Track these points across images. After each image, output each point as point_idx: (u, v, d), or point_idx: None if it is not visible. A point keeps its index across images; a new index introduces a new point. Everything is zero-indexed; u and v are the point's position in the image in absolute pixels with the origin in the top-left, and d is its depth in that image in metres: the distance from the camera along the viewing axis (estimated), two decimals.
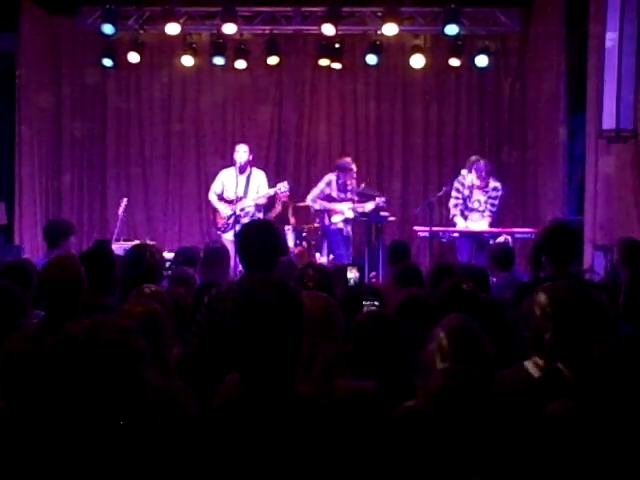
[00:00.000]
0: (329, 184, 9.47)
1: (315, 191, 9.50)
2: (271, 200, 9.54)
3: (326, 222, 9.52)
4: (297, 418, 2.16)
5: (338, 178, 9.48)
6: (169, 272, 5.85)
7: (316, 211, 9.58)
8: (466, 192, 8.90)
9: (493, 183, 8.94)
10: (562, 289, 2.81)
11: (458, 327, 2.72)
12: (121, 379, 2.02)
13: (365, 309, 4.29)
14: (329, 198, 9.46)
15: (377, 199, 9.46)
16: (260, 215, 9.15)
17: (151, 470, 2.07)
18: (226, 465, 2.11)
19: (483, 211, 8.90)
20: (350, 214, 9.37)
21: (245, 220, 8.79)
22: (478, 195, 8.89)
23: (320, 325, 2.93)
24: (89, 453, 2.00)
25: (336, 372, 2.95)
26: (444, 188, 9.21)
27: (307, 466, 2.11)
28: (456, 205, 8.93)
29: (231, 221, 8.97)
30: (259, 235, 3.93)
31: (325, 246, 9.78)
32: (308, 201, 9.52)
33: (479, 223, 8.88)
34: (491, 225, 8.94)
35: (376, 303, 3.83)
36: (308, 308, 2.87)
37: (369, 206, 9.43)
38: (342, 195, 9.48)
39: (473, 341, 2.70)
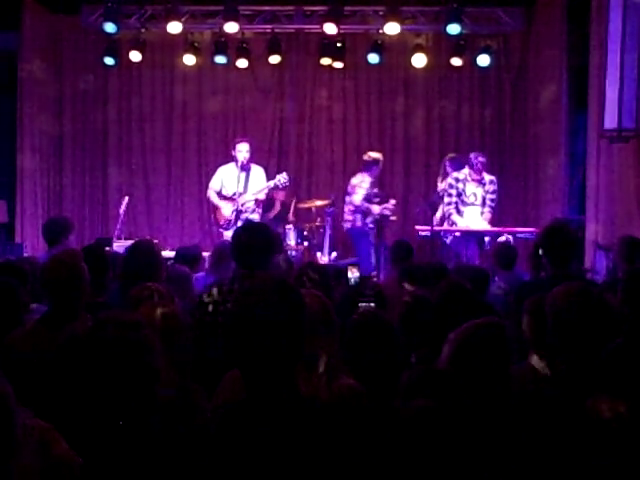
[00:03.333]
0: (371, 184, 9.48)
1: (362, 192, 9.38)
2: (271, 200, 9.52)
3: (358, 223, 9.44)
4: (300, 418, 2.16)
5: (374, 176, 9.54)
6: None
7: (357, 212, 9.41)
8: (460, 186, 8.89)
9: (488, 176, 8.96)
10: (575, 291, 2.81)
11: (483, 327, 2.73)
12: (129, 373, 2.02)
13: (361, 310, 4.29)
14: (369, 199, 9.46)
15: (390, 201, 9.62)
16: (259, 210, 9.16)
17: (157, 469, 2.07)
18: (230, 465, 2.11)
19: (481, 205, 8.88)
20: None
21: (246, 215, 8.85)
22: (473, 188, 8.88)
23: (320, 323, 2.93)
24: (98, 449, 2.00)
25: (338, 370, 2.95)
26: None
27: (310, 467, 2.11)
28: (450, 203, 8.91)
29: (233, 217, 8.97)
30: (254, 236, 3.96)
31: (327, 244, 9.76)
32: (358, 201, 9.37)
33: (477, 219, 8.86)
34: (492, 220, 8.95)
35: (372, 304, 3.82)
36: (308, 307, 2.87)
37: (376, 209, 9.53)
38: (374, 192, 9.57)
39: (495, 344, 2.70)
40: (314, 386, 2.73)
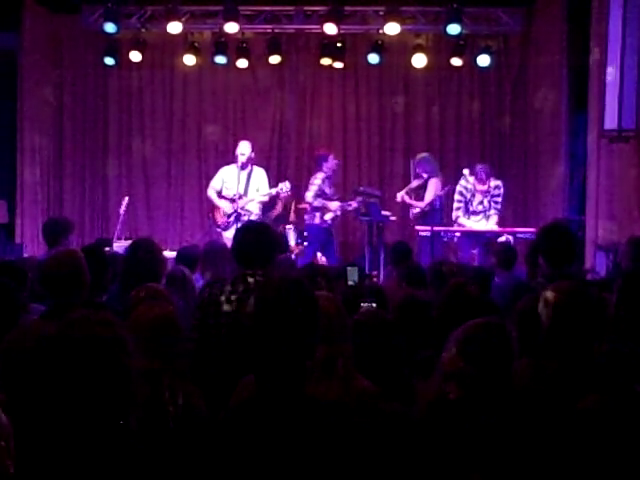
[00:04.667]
0: (324, 180, 9.42)
1: (314, 188, 9.36)
2: (272, 199, 9.50)
3: (316, 221, 9.41)
4: (307, 418, 2.16)
5: (327, 171, 9.46)
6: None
7: (314, 209, 9.44)
8: (468, 195, 8.95)
9: (494, 182, 9.00)
10: (566, 290, 2.80)
11: (479, 327, 2.73)
12: (101, 371, 2.02)
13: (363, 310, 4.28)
14: (324, 195, 9.42)
15: (343, 203, 9.55)
16: (260, 214, 9.14)
17: (157, 469, 2.07)
18: (236, 465, 2.11)
19: (486, 211, 8.94)
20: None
21: (246, 218, 8.81)
22: (480, 198, 8.95)
23: (336, 325, 2.92)
24: (82, 448, 2.00)
25: (354, 372, 2.95)
26: (446, 187, 9.24)
27: (316, 466, 2.11)
28: (458, 208, 8.97)
29: (232, 219, 8.97)
30: (255, 235, 3.91)
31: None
32: (309, 198, 9.38)
33: (482, 223, 8.92)
34: (499, 222, 8.99)
35: (374, 305, 3.82)
36: (323, 308, 2.88)
37: (334, 205, 9.47)
38: (331, 190, 9.53)
39: (492, 343, 2.70)
40: (332, 388, 2.74)
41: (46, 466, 2.00)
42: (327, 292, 3.34)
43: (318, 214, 9.41)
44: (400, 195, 9.65)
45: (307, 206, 9.54)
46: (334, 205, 9.44)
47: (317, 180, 9.39)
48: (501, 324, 2.79)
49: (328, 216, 9.43)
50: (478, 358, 2.63)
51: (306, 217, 9.59)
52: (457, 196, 9.00)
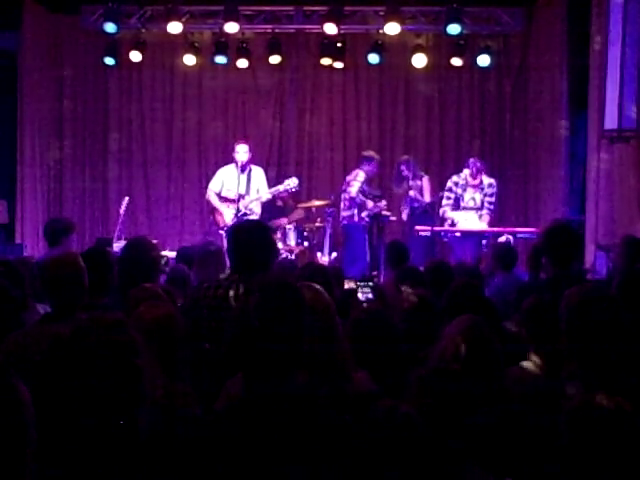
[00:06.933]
0: (365, 180, 9.61)
1: (357, 184, 9.53)
2: (275, 209, 9.51)
3: (355, 218, 9.57)
4: (296, 419, 2.16)
5: (368, 173, 9.65)
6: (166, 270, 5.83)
7: (352, 206, 9.58)
8: (459, 191, 8.96)
9: (487, 179, 9.03)
10: (591, 293, 2.81)
11: (471, 328, 2.74)
12: (115, 375, 2.02)
13: (360, 294, 4.30)
14: (363, 193, 9.59)
15: (382, 201, 9.70)
16: (258, 213, 9.13)
17: (154, 468, 2.07)
18: (227, 464, 2.11)
19: (479, 209, 8.94)
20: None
21: (250, 217, 8.79)
22: (472, 193, 8.97)
23: (326, 320, 2.91)
24: (91, 449, 2.00)
25: (350, 368, 2.94)
26: (439, 194, 9.26)
27: (308, 465, 2.11)
28: (447, 205, 9.00)
29: (235, 221, 8.94)
30: (254, 237, 3.76)
31: (327, 245, 9.75)
32: (353, 193, 9.53)
33: (476, 223, 8.91)
34: (492, 221, 8.99)
35: (370, 295, 3.83)
36: (315, 304, 2.86)
37: (370, 204, 9.63)
38: (370, 189, 9.69)
39: (484, 342, 2.72)
40: (326, 387, 2.73)
41: (55, 466, 2.00)
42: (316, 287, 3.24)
43: (356, 211, 9.57)
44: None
45: (346, 203, 9.67)
46: (370, 204, 9.60)
47: (360, 178, 9.59)
48: (479, 322, 2.81)
49: (364, 214, 9.59)
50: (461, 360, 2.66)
51: (344, 217, 9.69)
52: (446, 192, 9.03)
